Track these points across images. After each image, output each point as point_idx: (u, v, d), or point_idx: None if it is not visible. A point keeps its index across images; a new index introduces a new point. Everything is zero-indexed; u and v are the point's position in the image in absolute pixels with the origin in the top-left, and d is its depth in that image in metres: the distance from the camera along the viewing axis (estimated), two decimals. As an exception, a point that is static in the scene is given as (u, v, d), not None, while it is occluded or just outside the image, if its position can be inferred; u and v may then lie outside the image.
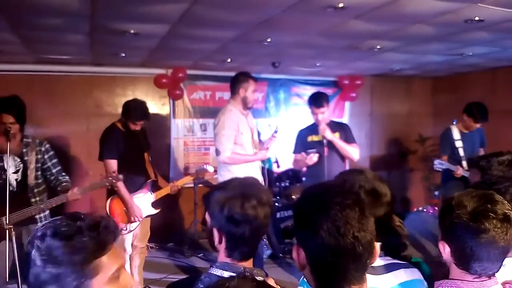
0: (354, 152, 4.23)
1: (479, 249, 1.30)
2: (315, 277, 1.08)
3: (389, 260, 1.55)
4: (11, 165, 3.27)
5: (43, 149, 3.44)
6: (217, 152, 3.89)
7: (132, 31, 3.76)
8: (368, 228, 1.06)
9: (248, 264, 1.44)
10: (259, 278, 1.22)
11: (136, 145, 3.92)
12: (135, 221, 3.78)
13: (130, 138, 3.84)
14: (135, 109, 3.77)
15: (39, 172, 3.40)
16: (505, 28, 3.72)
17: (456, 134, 4.80)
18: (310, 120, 4.41)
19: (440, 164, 4.60)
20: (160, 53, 4.87)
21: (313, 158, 4.08)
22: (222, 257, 1.43)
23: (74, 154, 5.55)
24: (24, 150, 3.35)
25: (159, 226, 5.67)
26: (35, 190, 3.35)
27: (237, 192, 1.40)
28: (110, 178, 3.47)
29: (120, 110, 3.95)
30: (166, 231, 5.97)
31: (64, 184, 3.39)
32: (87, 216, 1.12)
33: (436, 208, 5.68)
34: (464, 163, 4.72)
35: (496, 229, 1.29)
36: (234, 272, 1.33)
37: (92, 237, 1.07)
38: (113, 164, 3.71)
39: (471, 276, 1.34)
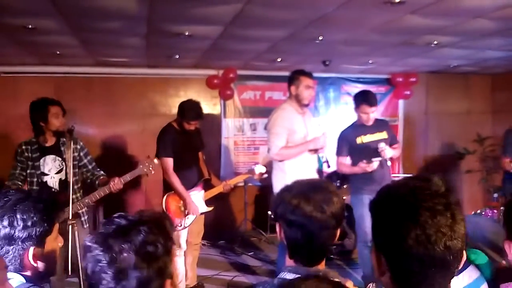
0: (398, 153, 4.13)
1: None
2: (397, 286, 1.01)
3: None
4: (52, 166, 3.39)
5: (78, 146, 3.49)
6: (268, 150, 3.86)
7: (186, 33, 3.85)
8: (460, 235, 0.97)
9: (320, 267, 1.40)
10: (336, 280, 1.20)
11: (191, 144, 4.01)
12: (191, 215, 3.87)
13: (185, 137, 3.93)
14: (189, 109, 3.86)
15: (76, 170, 3.48)
16: None
17: None
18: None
19: None
20: (212, 54, 4.95)
21: (374, 165, 3.89)
22: (288, 260, 1.41)
23: (130, 153, 5.76)
24: (62, 148, 3.43)
25: (210, 224, 5.76)
26: (75, 187, 3.42)
27: (299, 192, 1.37)
28: (146, 164, 3.46)
29: (173, 110, 4.07)
30: (218, 229, 6.06)
31: (102, 177, 3.48)
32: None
33: (496, 211, 5.40)
34: None
35: None
36: (308, 274, 1.26)
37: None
38: (169, 162, 3.82)
39: None
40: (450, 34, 4.07)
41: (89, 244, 1.11)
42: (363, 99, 4.04)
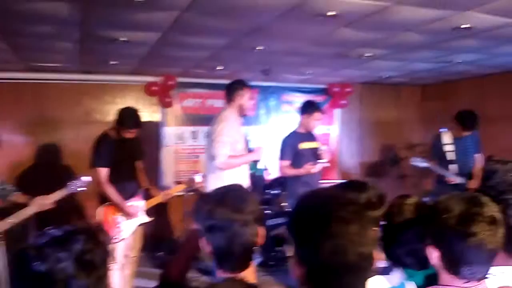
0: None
1: (467, 252, 1.28)
2: None
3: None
4: None
5: None
6: (212, 159, 3.75)
7: (122, 39, 3.76)
8: (370, 240, 1.01)
9: (248, 273, 1.40)
10: (251, 283, 1.21)
11: (129, 153, 3.91)
12: (128, 227, 3.75)
13: (122, 146, 3.82)
14: (128, 117, 3.76)
15: None
16: (493, 35, 3.78)
17: (446, 139, 4.80)
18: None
19: (417, 161, 4.67)
20: (151, 61, 4.87)
21: (318, 167, 4.26)
22: (217, 271, 1.41)
23: (64, 162, 5.50)
24: None
25: (148, 235, 5.64)
26: None
27: (213, 199, 1.38)
28: (76, 183, 3.38)
29: (110, 118, 3.95)
30: (156, 240, 5.93)
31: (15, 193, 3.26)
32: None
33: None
34: (453, 167, 4.71)
35: (484, 232, 1.27)
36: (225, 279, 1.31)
37: None
38: (104, 172, 3.69)
39: (460, 281, 1.32)
40: (381, 47, 4.27)
41: (23, 256, 1.06)
42: (317, 107, 4.44)
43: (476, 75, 6.24)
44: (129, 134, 3.80)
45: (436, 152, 4.89)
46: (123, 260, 3.88)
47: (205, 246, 1.39)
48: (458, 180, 4.60)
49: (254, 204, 1.41)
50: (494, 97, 6.25)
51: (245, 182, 3.81)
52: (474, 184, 4.48)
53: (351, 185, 1.75)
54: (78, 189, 3.37)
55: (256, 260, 5.07)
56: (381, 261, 1.65)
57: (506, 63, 5.23)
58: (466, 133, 4.68)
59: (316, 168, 4.26)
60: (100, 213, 3.72)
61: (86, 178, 3.43)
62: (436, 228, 1.34)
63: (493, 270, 1.49)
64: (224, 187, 1.50)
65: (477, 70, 5.78)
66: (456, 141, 4.75)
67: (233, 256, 1.36)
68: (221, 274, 1.39)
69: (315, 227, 0.99)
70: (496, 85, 6.22)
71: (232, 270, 1.37)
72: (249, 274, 1.40)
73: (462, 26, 3.47)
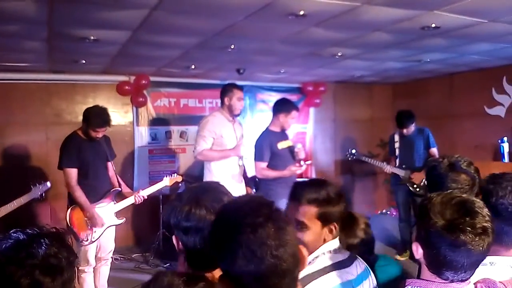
0: None
1: (453, 259, 1.27)
2: None
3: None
4: None
5: None
6: (194, 150, 4.20)
7: (92, 38, 3.69)
8: (288, 240, 0.98)
9: (216, 274, 1.38)
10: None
11: (98, 154, 3.84)
12: (97, 228, 3.68)
13: (91, 146, 3.76)
14: (95, 116, 3.68)
15: None
16: (461, 34, 3.88)
17: (396, 137, 5.37)
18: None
19: (351, 154, 5.51)
20: (122, 60, 4.79)
21: (303, 168, 4.29)
22: (186, 267, 1.39)
23: (33, 164, 5.36)
24: None
25: (124, 236, 5.57)
26: None
27: (188, 198, 1.36)
28: (40, 187, 3.42)
29: (81, 118, 3.85)
30: (132, 241, 5.86)
31: None
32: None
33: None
34: (397, 162, 5.30)
35: (472, 242, 1.24)
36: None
37: None
38: (72, 173, 3.62)
39: (442, 280, 1.32)
40: (352, 46, 4.32)
41: None
42: (294, 105, 4.43)
43: (445, 73, 6.40)
44: (98, 133, 3.72)
45: (390, 149, 5.55)
46: (95, 262, 3.81)
47: (177, 244, 1.38)
48: (397, 171, 5.20)
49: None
50: (462, 94, 6.43)
51: (233, 173, 4.14)
52: (417, 176, 5.03)
53: (312, 183, 1.81)
54: (41, 196, 3.40)
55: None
56: (340, 255, 1.68)
57: (473, 61, 5.39)
58: (406, 131, 5.15)
59: (302, 168, 4.24)
60: (70, 215, 3.64)
61: (49, 184, 3.49)
62: (424, 228, 1.32)
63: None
64: (199, 185, 1.50)
65: (446, 68, 5.93)
66: (401, 139, 5.31)
67: (207, 256, 1.35)
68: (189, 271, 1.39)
69: (228, 238, 0.97)
70: (464, 83, 6.39)
71: (203, 269, 1.36)
72: (216, 273, 1.40)
73: (430, 26, 3.55)
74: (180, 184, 5.88)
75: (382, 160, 6.03)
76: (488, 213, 1.30)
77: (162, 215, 5.36)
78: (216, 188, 1.44)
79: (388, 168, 5.26)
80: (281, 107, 4.34)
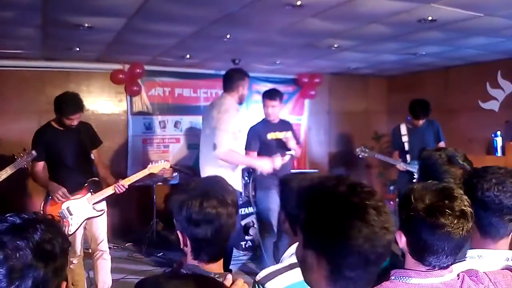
0: (299, 153, 4.60)
1: (434, 243, 1.30)
2: (332, 284, 1.02)
3: None
4: None
5: None
6: (214, 147, 3.59)
7: (86, 25, 3.65)
8: (393, 229, 1.03)
9: (218, 265, 1.42)
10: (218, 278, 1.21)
11: (74, 143, 3.62)
12: (75, 222, 3.54)
13: (66, 136, 3.56)
14: (67, 103, 3.44)
15: None
16: (457, 27, 3.88)
17: (403, 130, 4.98)
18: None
19: (362, 152, 4.96)
20: (117, 48, 4.75)
21: (286, 158, 4.13)
22: (190, 259, 1.41)
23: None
24: None
25: (117, 225, 5.56)
26: None
27: (197, 192, 1.37)
28: (23, 156, 3.33)
29: (73, 106, 3.77)
30: (125, 230, 5.85)
31: None
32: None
33: (392, 203, 5.87)
34: (408, 157, 4.88)
35: (452, 225, 1.28)
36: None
37: None
38: (38, 166, 3.52)
39: (424, 267, 1.35)
40: (348, 38, 4.32)
41: None
42: (265, 93, 4.31)
43: (440, 67, 6.41)
44: (72, 121, 3.49)
45: (395, 143, 5.09)
46: (83, 252, 3.69)
47: (182, 239, 1.40)
48: (409, 168, 4.76)
49: (234, 195, 1.44)
50: (457, 88, 6.44)
51: (238, 177, 3.87)
52: None
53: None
54: (27, 163, 3.35)
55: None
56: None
57: (469, 55, 5.40)
58: (420, 123, 4.83)
59: (285, 159, 4.09)
60: (43, 209, 3.47)
61: (34, 152, 3.39)
62: (406, 215, 1.36)
63: (470, 253, 1.55)
64: (205, 178, 1.54)
65: (441, 62, 5.94)
66: (411, 131, 4.93)
67: (214, 248, 1.39)
68: (191, 262, 1.40)
69: (351, 215, 0.99)
70: (460, 77, 6.41)
71: (209, 261, 1.40)
72: (219, 264, 1.43)
73: (427, 19, 3.55)
74: (174, 174, 5.91)
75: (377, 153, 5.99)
76: (468, 200, 1.35)
77: (166, 205, 5.33)
78: (221, 180, 1.48)
79: (402, 166, 4.81)
80: (262, 97, 4.36)
